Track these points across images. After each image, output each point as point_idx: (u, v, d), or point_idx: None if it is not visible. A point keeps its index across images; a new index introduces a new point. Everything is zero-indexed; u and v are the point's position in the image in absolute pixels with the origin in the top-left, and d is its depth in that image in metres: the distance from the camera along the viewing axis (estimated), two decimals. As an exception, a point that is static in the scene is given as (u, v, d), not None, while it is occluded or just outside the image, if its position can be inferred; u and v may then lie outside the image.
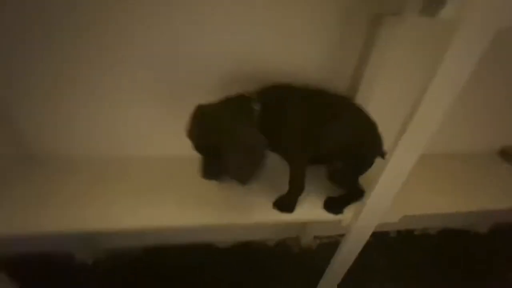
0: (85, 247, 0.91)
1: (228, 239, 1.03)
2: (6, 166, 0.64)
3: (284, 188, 0.62)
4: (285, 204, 0.62)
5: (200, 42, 0.57)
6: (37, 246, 0.91)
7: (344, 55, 0.62)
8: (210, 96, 0.55)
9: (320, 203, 0.64)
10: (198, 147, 0.52)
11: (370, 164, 0.61)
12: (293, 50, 0.60)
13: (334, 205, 0.63)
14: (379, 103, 0.64)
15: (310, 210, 0.62)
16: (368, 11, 0.57)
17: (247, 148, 0.49)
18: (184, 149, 0.56)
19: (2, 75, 0.56)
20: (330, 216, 0.62)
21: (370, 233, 0.63)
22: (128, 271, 0.92)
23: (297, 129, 0.55)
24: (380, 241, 1.09)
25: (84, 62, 0.56)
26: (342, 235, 0.67)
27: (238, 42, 0.58)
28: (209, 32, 0.56)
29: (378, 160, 0.57)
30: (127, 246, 0.96)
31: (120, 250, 0.96)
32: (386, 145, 0.52)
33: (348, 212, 0.62)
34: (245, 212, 0.60)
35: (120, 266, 0.93)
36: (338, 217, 0.62)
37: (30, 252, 0.90)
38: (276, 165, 0.63)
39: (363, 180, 0.63)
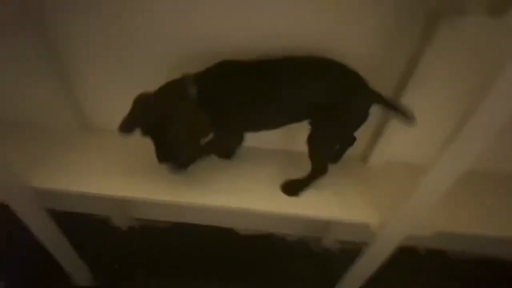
0: (122, 214, 1.00)
1: (250, 228, 1.05)
2: (64, 135, 0.72)
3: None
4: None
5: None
6: (81, 207, 1.02)
7: (394, 50, 0.58)
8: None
9: (342, 203, 0.63)
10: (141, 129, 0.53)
11: (356, 119, 0.55)
12: (335, 34, 0.57)
13: (292, 187, 0.64)
14: (427, 106, 0.60)
15: (331, 207, 0.62)
16: (427, 6, 0.53)
17: (187, 128, 0.50)
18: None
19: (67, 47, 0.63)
20: (353, 218, 0.61)
21: (397, 243, 0.61)
22: (156, 241, 1.00)
23: (236, 109, 0.54)
24: (407, 256, 1.04)
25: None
26: (367, 244, 0.66)
27: (279, 19, 0.56)
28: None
29: (419, 163, 0.53)
30: (158, 219, 1.04)
31: (151, 221, 1.04)
32: (431, 151, 0.49)
33: (377, 216, 0.61)
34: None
35: (149, 235, 1.01)
36: (366, 221, 0.61)
37: (75, 211, 1.01)
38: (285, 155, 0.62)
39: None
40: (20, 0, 0.54)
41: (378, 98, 0.54)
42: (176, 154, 0.54)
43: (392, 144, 0.69)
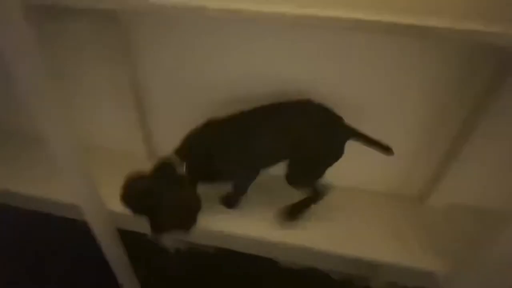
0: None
1: (293, 260, 1.03)
2: (135, 162, 0.78)
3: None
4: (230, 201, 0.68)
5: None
6: (133, 225, 1.08)
7: (462, 91, 0.57)
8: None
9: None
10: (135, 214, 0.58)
11: (331, 155, 0.57)
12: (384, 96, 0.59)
13: (291, 212, 0.63)
14: (496, 150, 0.57)
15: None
16: (496, 57, 0.52)
17: (179, 210, 0.55)
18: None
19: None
20: (414, 264, 0.58)
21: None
22: (199, 265, 1.03)
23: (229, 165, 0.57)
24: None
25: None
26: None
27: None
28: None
29: (484, 207, 0.49)
30: (203, 243, 1.07)
31: (198, 245, 1.07)
32: (500, 195, 0.45)
33: (441, 264, 0.57)
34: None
35: (195, 259, 1.04)
36: (429, 268, 0.57)
37: (127, 229, 1.08)
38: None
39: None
40: (115, 41, 0.64)
41: (353, 134, 0.56)
42: (171, 231, 0.59)
43: (457, 185, 0.66)
